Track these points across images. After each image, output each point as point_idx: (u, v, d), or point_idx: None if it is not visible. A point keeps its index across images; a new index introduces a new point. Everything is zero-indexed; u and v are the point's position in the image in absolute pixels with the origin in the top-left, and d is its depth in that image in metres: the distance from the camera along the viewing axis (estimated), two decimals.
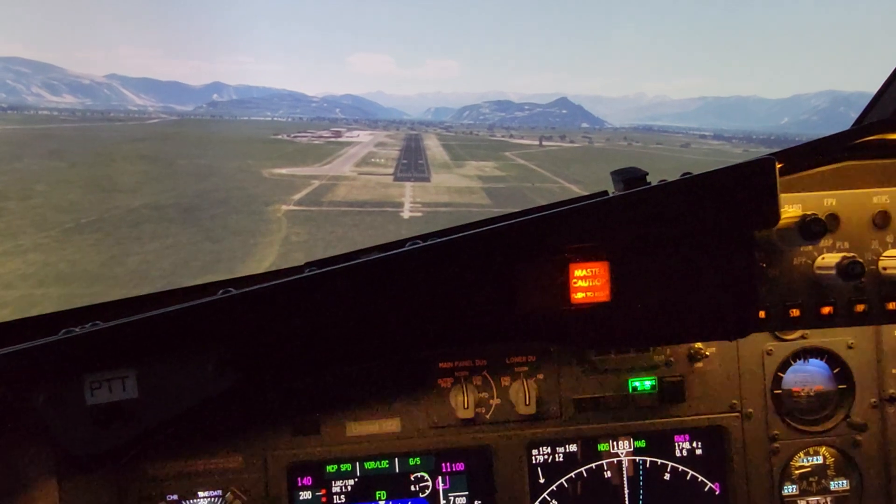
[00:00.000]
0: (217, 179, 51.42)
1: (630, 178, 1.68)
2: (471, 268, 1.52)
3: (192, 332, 1.45)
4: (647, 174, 1.71)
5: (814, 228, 1.61)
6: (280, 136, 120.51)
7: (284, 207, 38.57)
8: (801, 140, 2.00)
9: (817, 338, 2.04)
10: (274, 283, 1.49)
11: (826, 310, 1.79)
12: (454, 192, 50.36)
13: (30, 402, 1.40)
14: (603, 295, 1.57)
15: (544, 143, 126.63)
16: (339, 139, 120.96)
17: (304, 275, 1.51)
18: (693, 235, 1.58)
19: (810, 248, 1.77)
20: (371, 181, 55.45)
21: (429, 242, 1.56)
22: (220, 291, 1.52)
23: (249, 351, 1.48)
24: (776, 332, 2.04)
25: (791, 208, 1.78)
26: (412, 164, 75.44)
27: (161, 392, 1.45)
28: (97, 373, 1.41)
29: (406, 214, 38.63)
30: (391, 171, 66.11)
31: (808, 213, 1.64)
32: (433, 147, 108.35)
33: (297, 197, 42.98)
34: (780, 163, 1.60)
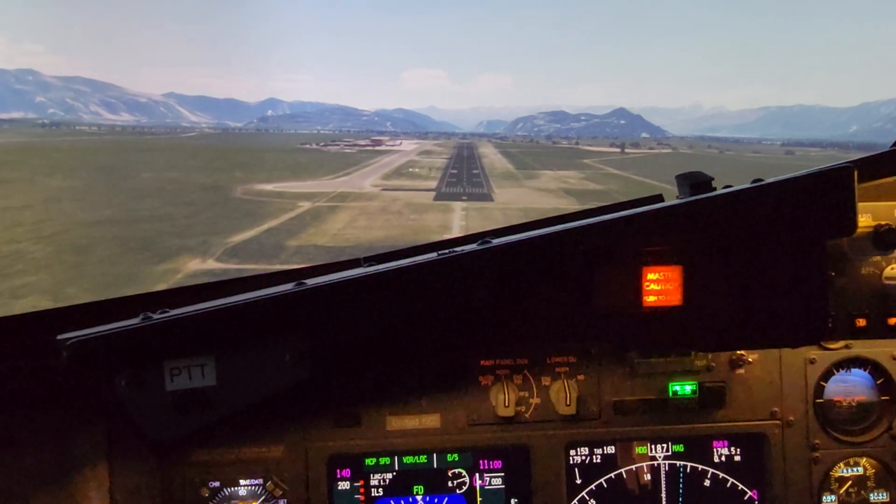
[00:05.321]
0: (154, 201, 32.13)
1: (696, 182, 1.66)
2: (542, 268, 1.54)
3: (269, 323, 1.47)
4: (713, 179, 1.70)
5: (888, 239, 1.67)
6: (306, 146, 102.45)
7: (191, 266, 18.40)
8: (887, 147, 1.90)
9: (861, 348, 1.98)
10: (349, 276, 1.50)
11: (893, 320, 1.82)
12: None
13: (112, 385, 1.41)
14: (675, 299, 1.57)
15: (626, 149, 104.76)
16: (377, 148, 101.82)
17: (383, 269, 1.51)
18: (766, 242, 1.57)
19: (879, 257, 1.80)
20: (398, 201, 34.98)
21: (500, 242, 1.55)
22: (293, 283, 1.52)
23: (325, 343, 1.51)
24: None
25: (862, 217, 1.75)
26: (464, 174, 54.77)
27: (238, 380, 1.47)
28: (177, 359, 1.43)
29: None
30: (433, 185, 45.59)
31: (882, 222, 1.70)
32: (490, 154, 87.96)
33: (238, 238, 22.74)
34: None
